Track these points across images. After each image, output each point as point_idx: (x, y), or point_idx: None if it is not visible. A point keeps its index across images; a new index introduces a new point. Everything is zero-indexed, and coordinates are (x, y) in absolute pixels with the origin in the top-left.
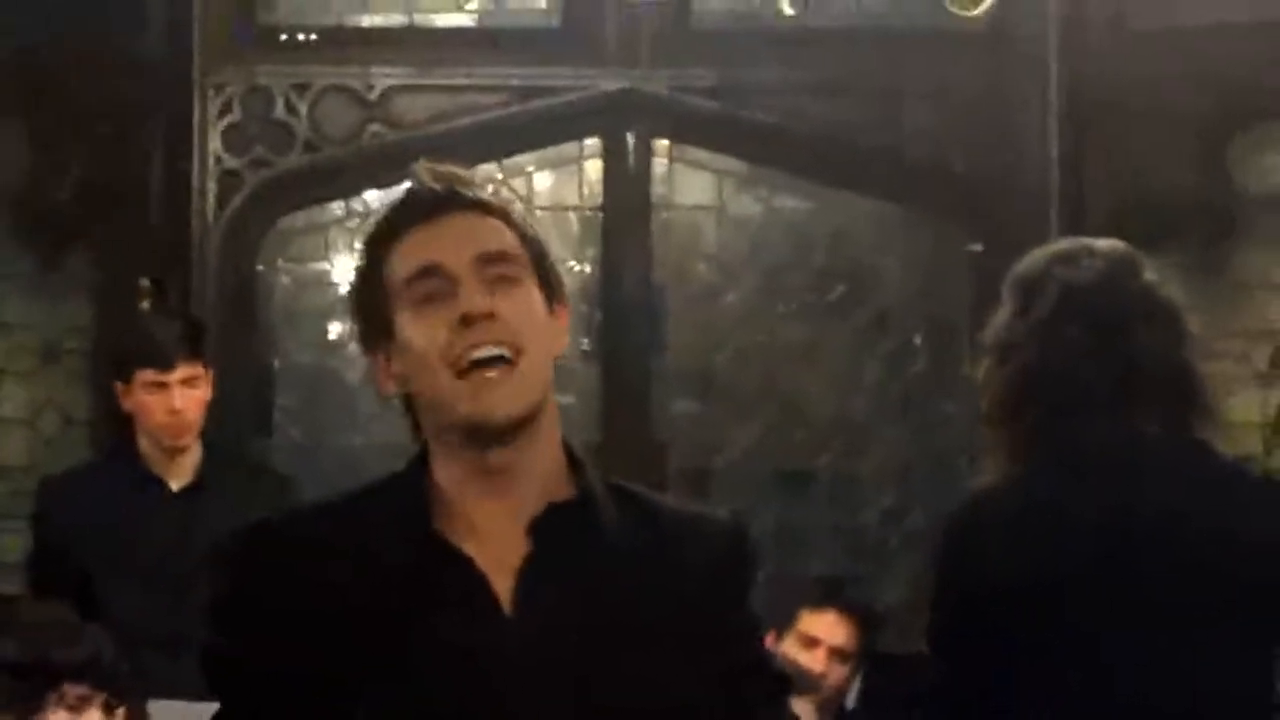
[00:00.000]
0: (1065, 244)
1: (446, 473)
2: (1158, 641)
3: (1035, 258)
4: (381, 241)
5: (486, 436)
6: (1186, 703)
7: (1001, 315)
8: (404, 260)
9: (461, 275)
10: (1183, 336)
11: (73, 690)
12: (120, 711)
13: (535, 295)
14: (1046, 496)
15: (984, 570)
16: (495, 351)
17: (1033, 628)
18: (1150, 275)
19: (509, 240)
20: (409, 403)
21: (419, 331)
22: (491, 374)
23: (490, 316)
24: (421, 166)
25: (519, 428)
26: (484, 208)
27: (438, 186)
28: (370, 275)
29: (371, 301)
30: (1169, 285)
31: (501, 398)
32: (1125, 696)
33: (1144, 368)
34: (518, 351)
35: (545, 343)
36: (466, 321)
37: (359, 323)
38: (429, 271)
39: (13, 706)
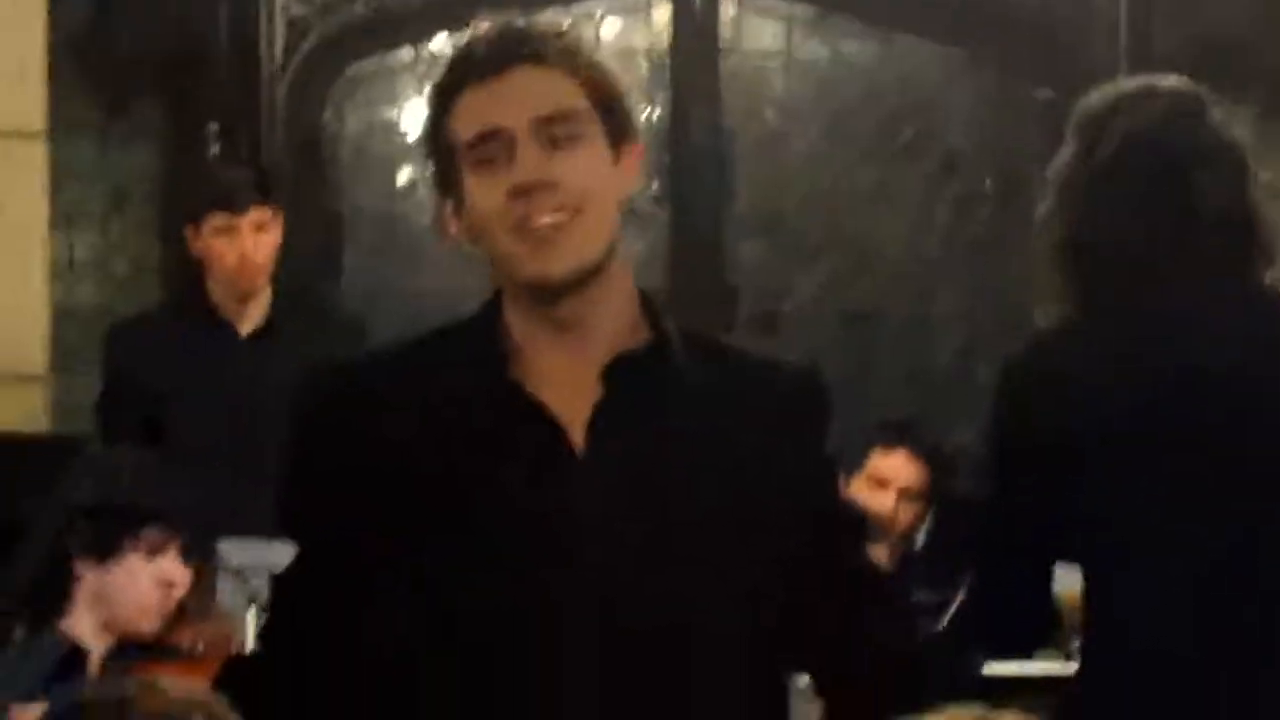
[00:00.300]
0: (1131, 83)
1: (519, 321)
2: (1215, 493)
3: (1100, 98)
4: (442, 97)
5: (551, 292)
6: (1243, 562)
7: (1064, 155)
8: (464, 120)
9: (519, 138)
10: (1248, 179)
11: (151, 534)
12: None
13: (598, 148)
14: (1103, 347)
15: (1037, 420)
16: (553, 219)
17: (1087, 479)
18: (1217, 114)
19: (570, 94)
20: None
21: (480, 194)
22: (549, 229)
23: (547, 185)
24: (481, 20)
25: (584, 280)
26: (544, 59)
27: (496, 40)
28: (435, 130)
29: (439, 154)
30: (1237, 125)
31: (561, 253)
32: (1178, 552)
33: (1208, 212)
34: (577, 212)
35: (609, 195)
36: (523, 190)
37: (432, 169)
38: (488, 135)
39: (91, 550)
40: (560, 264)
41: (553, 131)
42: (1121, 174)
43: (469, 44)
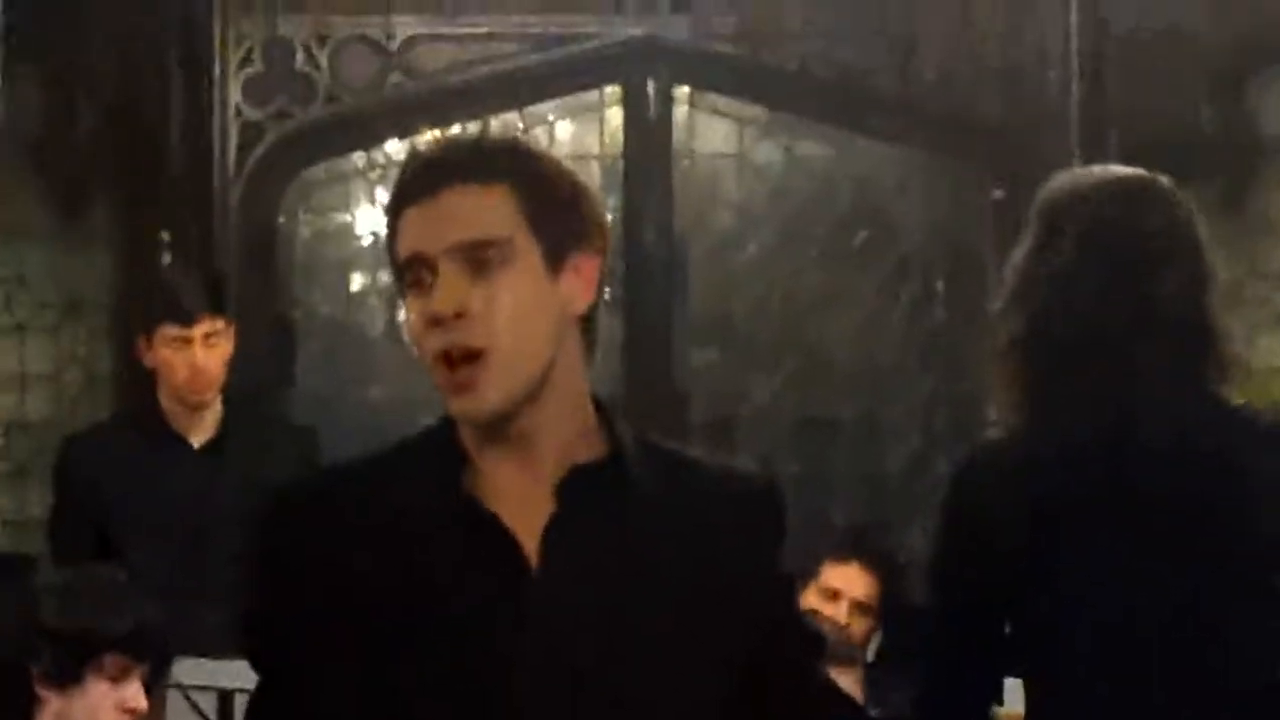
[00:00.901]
0: (1091, 174)
1: (470, 435)
2: (1158, 596)
3: (1060, 189)
4: (389, 216)
5: (481, 427)
6: (1190, 657)
7: (1022, 249)
8: (400, 244)
9: (440, 265)
10: (1205, 279)
11: (114, 661)
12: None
13: (530, 270)
14: (1049, 453)
15: (984, 530)
16: (467, 364)
17: (1034, 587)
18: (1176, 210)
19: (502, 215)
20: None
21: (413, 315)
22: (464, 372)
23: (459, 316)
24: (429, 129)
25: (513, 412)
26: (480, 178)
27: (432, 160)
28: (389, 245)
29: (394, 268)
30: (1194, 221)
31: (482, 395)
32: (1121, 652)
33: (1162, 312)
34: (488, 349)
35: (540, 317)
36: (435, 321)
37: (394, 277)
38: (415, 260)
39: (53, 676)
40: (484, 406)
41: (476, 256)
42: (1082, 265)
43: (408, 162)
